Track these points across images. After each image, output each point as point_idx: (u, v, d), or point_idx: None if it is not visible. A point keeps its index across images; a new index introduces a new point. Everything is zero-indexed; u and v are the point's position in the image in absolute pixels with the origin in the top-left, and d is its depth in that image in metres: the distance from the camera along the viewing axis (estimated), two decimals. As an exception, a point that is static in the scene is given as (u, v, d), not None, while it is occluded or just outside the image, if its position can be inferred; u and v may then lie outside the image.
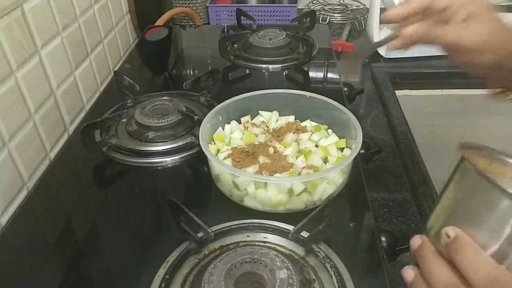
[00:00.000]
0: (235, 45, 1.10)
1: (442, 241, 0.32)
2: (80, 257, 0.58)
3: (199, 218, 0.54)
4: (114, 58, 1.03)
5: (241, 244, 0.55)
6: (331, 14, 1.39)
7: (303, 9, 1.44)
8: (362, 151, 0.77)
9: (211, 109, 0.71)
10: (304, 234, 0.55)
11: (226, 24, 1.24)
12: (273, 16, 1.32)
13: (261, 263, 0.48)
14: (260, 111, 0.76)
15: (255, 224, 0.58)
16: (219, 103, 0.72)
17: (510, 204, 0.28)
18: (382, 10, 1.11)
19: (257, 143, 0.68)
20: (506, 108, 1.18)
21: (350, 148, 0.67)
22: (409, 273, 0.35)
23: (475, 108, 1.14)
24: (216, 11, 1.35)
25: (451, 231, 0.31)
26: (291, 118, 0.75)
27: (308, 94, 0.74)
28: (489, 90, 0.56)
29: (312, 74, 1.02)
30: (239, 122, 0.75)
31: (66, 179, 0.72)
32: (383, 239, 0.60)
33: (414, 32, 0.49)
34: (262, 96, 0.75)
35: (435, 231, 0.33)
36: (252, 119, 0.76)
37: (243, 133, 0.71)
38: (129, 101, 0.86)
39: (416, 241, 0.35)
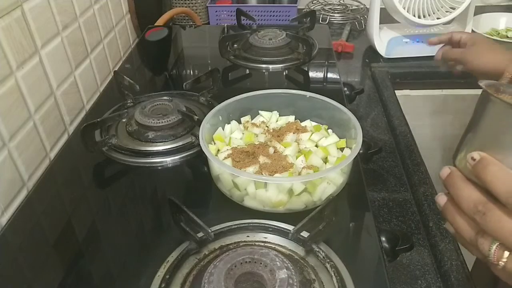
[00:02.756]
0: (235, 45, 1.10)
1: (469, 165, 0.34)
2: (80, 257, 0.58)
3: (199, 218, 0.54)
4: (114, 58, 1.03)
5: (241, 244, 0.55)
6: (331, 14, 1.39)
7: (303, 9, 1.44)
8: (362, 151, 0.77)
9: (211, 109, 0.71)
10: (304, 234, 0.55)
11: (226, 24, 1.24)
12: (273, 16, 1.32)
13: (261, 263, 0.48)
14: (260, 111, 0.76)
15: (255, 224, 0.58)
16: (219, 103, 0.72)
17: None
18: (382, 10, 1.11)
19: (257, 143, 0.68)
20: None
21: (350, 148, 0.67)
22: (441, 198, 0.38)
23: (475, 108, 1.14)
24: (216, 11, 1.35)
25: (475, 154, 0.34)
26: (291, 118, 0.75)
27: (308, 94, 0.74)
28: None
29: (312, 74, 1.02)
30: (239, 122, 0.75)
31: (66, 179, 0.72)
32: (383, 239, 0.60)
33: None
34: (262, 96, 0.75)
35: (462, 160, 0.36)
36: (252, 119, 0.76)
37: (243, 133, 0.71)
38: (129, 101, 0.86)
39: (445, 171, 0.37)
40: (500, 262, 0.33)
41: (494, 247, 0.33)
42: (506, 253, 0.33)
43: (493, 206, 0.33)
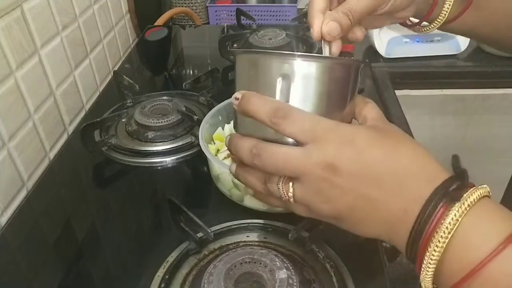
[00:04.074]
0: (235, 45, 1.10)
1: (235, 106, 0.36)
2: (80, 257, 0.58)
3: (199, 218, 0.54)
4: (113, 58, 1.03)
5: (241, 244, 0.55)
6: (331, 14, 1.39)
7: (303, 9, 1.44)
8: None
9: (211, 109, 0.71)
10: (304, 234, 0.55)
11: (226, 24, 1.24)
12: (273, 16, 1.32)
13: (261, 263, 0.48)
14: (260, 111, 0.76)
15: (255, 224, 0.58)
16: (219, 103, 0.72)
17: (270, 61, 0.35)
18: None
19: (257, 143, 0.68)
20: (506, 108, 1.18)
21: (350, 148, 0.67)
22: (232, 166, 0.40)
23: (475, 108, 1.14)
24: (216, 11, 1.35)
25: (237, 94, 0.36)
26: (291, 118, 0.75)
27: (308, 94, 0.74)
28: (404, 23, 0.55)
29: (312, 74, 1.02)
30: (239, 122, 0.75)
31: (65, 179, 0.72)
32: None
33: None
34: (262, 96, 0.75)
35: (236, 121, 0.39)
36: (252, 119, 0.76)
37: (243, 133, 0.71)
38: (128, 101, 0.86)
39: (227, 138, 0.39)
40: (289, 194, 0.34)
41: (280, 184, 0.35)
42: (290, 184, 0.34)
43: (264, 144, 0.35)
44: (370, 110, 0.38)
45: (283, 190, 0.35)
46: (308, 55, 0.35)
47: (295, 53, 0.34)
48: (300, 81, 0.34)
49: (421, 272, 0.31)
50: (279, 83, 0.35)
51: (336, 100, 0.36)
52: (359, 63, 0.37)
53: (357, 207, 0.33)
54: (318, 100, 0.35)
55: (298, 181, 0.34)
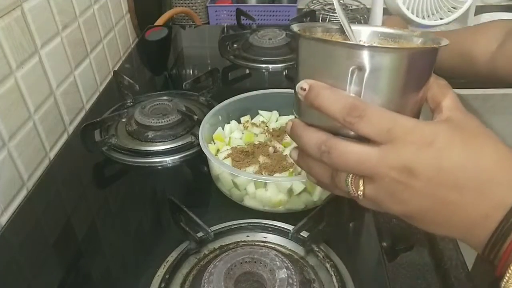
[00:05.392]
0: (235, 45, 1.10)
1: (301, 97, 0.34)
2: (80, 257, 0.58)
3: (199, 218, 0.54)
4: (113, 57, 1.03)
5: (241, 244, 0.55)
6: (331, 14, 1.39)
7: (303, 9, 1.44)
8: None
9: (211, 109, 0.71)
10: (304, 234, 0.55)
11: (226, 24, 1.24)
12: (273, 16, 1.32)
13: (261, 263, 0.48)
14: (260, 111, 0.76)
15: (255, 224, 0.58)
16: (219, 103, 0.72)
17: (345, 52, 0.32)
18: (384, 10, 1.11)
19: (257, 143, 0.68)
20: (507, 108, 1.18)
21: (350, 148, 0.67)
22: (294, 152, 0.38)
23: (475, 108, 1.14)
24: (216, 11, 1.35)
25: (304, 83, 0.33)
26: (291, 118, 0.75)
27: (308, 94, 0.74)
28: None
29: (312, 74, 1.02)
30: (239, 122, 0.75)
31: (65, 179, 0.72)
32: (383, 239, 0.60)
33: None
34: (262, 96, 0.75)
35: (299, 108, 0.37)
36: (252, 119, 0.76)
37: (243, 133, 0.71)
38: (128, 101, 0.86)
39: (288, 124, 0.37)
40: (359, 192, 0.33)
41: (349, 180, 0.33)
42: (361, 182, 0.33)
43: (334, 140, 0.33)
44: (445, 96, 0.35)
45: (352, 187, 0.33)
46: (385, 47, 0.32)
47: (372, 44, 0.33)
48: (376, 72, 0.32)
49: (505, 276, 0.30)
50: (352, 74, 0.32)
51: (412, 89, 0.34)
52: (439, 46, 0.34)
53: (433, 210, 0.32)
54: (393, 91, 0.33)
55: (370, 180, 0.32)
